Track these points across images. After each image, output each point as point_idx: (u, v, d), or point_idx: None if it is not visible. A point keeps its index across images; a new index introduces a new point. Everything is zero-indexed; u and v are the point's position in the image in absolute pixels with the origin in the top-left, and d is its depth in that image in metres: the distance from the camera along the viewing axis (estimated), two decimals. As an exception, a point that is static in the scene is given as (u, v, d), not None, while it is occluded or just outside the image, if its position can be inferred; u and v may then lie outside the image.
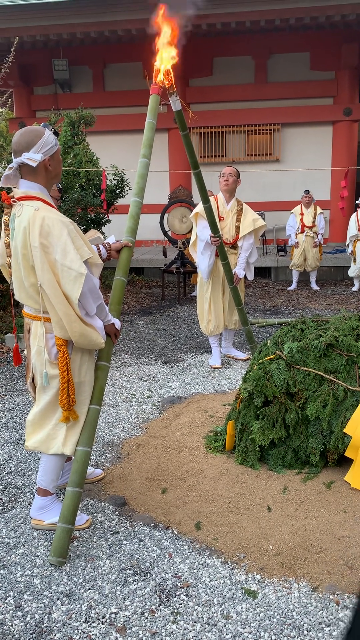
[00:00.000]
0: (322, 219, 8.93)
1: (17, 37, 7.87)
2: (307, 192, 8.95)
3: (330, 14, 9.48)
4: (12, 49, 6.88)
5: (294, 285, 9.20)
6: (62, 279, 2.27)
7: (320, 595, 2.13)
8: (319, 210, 8.93)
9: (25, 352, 2.58)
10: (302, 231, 8.86)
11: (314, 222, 8.84)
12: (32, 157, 2.30)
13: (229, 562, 2.33)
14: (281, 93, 11.76)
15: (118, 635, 1.95)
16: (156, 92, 3.31)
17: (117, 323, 2.65)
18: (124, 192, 9.05)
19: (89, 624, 2.01)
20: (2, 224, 2.57)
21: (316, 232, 8.86)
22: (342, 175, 10.62)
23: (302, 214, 8.89)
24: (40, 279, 2.29)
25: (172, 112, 3.67)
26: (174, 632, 1.96)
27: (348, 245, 8.94)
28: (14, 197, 2.38)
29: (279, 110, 11.83)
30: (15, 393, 4.43)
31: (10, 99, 13.35)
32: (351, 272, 8.90)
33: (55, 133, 2.42)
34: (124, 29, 10.01)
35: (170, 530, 2.55)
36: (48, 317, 2.37)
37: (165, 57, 3.33)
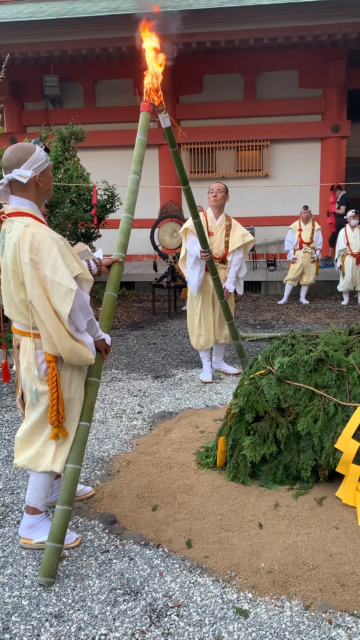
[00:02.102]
0: (320, 235, 9.01)
1: (8, 54, 7.93)
2: (305, 207, 9.04)
3: (318, 33, 9.65)
4: (3, 65, 6.92)
5: (284, 299, 9.23)
6: (52, 295, 2.26)
7: (313, 614, 2.10)
8: (317, 226, 9.01)
9: (14, 368, 2.56)
10: (301, 247, 8.92)
11: (312, 238, 8.91)
12: (23, 174, 2.30)
13: (220, 580, 2.31)
14: (270, 110, 11.91)
15: (108, 657, 1.92)
16: (146, 109, 3.33)
17: (108, 338, 2.64)
18: (115, 207, 9.08)
19: (78, 646, 1.97)
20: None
21: (314, 248, 8.93)
22: (330, 190, 10.74)
23: (300, 229, 8.95)
24: (30, 295, 2.29)
25: (162, 128, 3.70)
26: (164, 654, 1.93)
27: (337, 259, 9.01)
28: (4, 213, 2.38)
29: (268, 126, 11.97)
30: (4, 409, 4.39)
31: (0, 114, 13.39)
32: (340, 287, 8.96)
33: (46, 149, 2.43)
34: (114, 47, 10.11)
35: (161, 549, 2.52)
36: (38, 333, 2.36)
37: (154, 75, 3.37)
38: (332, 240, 11.05)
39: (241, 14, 9.47)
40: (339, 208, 11.02)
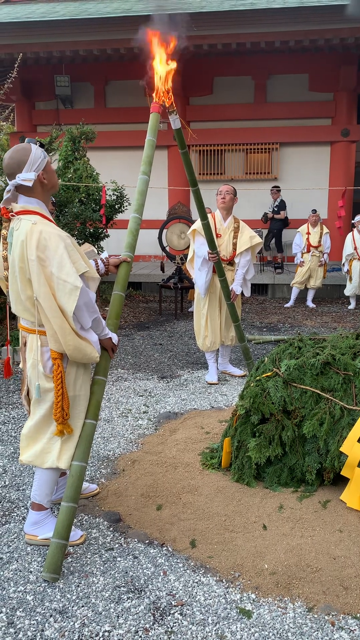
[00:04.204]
0: (328, 239, 9.01)
1: (21, 53, 7.97)
2: (314, 211, 9.05)
3: (329, 37, 9.64)
4: (16, 65, 6.96)
5: (291, 302, 9.23)
6: (57, 292, 2.28)
7: (316, 616, 2.11)
8: (325, 229, 9.01)
9: (20, 365, 2.58)
10: (308, 250, 8.93)
11: (319, 241, 8.91)
12: (27, 177, 2.33)
13: (223, 580, 2.31)
14: (280, 113, 11.90)
15: (111, 654, 1.93)
16: (156, 110, 3.35)
17: (114, 337, 2.66)
18: (123, 207, 9.11)
19: (81, 642, 1.98)
20: (1, 237, 2.59)
21: (322, 252, 8.93)
22: (339, 195, 10.72)
23: (308, 233, 8.96)
24: (37, 292, 2.30)
25: (172, 129, 3.71)
26: (167, 652, 1.94)
27: (344, 264, 9.00)
28: (12, 212, 2.40)
29: (278, 129, 11.96)
30: (10, 406, 4.41)
31: (12, 113, 13.46)
32: (347, 291, 8.94)
33: (41, 145, 2.45)
34: (126, 47, 10.14)
35: (165, 548, 2.53)
36: (43, 330, 2.38)
37: (163, 77, 3.38)
38: (266, 244, 11.02)
39: (253, 16, 9.48)
40: (278, 213, 10.96)
